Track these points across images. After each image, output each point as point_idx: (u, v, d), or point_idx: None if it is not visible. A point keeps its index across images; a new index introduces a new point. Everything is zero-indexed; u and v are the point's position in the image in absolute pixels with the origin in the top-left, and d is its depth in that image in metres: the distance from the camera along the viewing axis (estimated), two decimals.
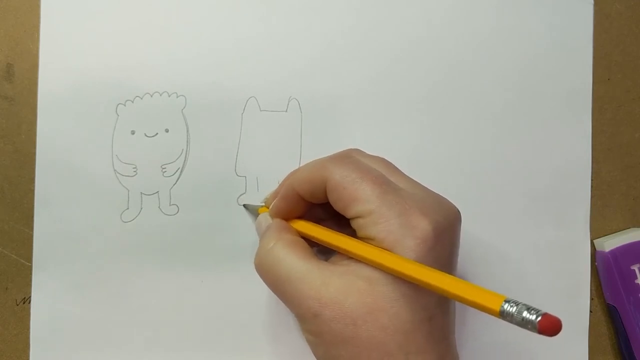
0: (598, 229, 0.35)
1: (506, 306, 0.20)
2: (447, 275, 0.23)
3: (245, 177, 0.33)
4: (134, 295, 0.32)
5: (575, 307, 0.34)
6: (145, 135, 0.32)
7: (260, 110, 0.33)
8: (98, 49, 0.32)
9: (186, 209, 0.32)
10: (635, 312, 0.33)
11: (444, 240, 0.25)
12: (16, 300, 0.32)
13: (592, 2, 0.35)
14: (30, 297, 0.32)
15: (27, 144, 0.32)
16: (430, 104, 0.34)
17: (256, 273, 0.27)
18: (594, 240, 0.35)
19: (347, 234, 0.27)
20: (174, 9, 0.33)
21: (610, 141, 0.36)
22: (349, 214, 0.26)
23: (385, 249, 0.24)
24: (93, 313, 0.32)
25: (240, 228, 0.32)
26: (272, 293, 0.27)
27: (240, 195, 0.32)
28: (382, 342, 0.23)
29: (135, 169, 0.32)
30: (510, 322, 0.20)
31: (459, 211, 0.27)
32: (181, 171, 0.32)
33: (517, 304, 0.20)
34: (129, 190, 0.32)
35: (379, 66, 0.34)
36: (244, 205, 0.32)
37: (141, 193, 0.32)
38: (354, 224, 0.26)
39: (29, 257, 0.32)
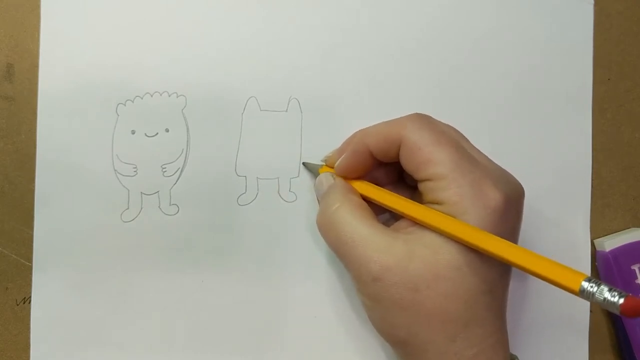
0: (598, 229, 0.35)
1: (586, 285, 0.20)
2: (526, 250, 0.22)
3: (245, 177, 0.33)
4: (134, 295, 0.32)
5: (575, 307, 0.34)
6: (146, 135, 0.32)
7: (260, 110, 0.33)
8: (98, 49, 0.32)
9: (186, 209, 0.32)
10: None
11: (512, 212, 0.25)
12: (16, 300, 0.32)
13: (592, 2, 0.36)
14: (30, 297, 0.32)
15: (27, 144, 0.32)
16: (430, 104, 0.34)
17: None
18: (594, 240, 0.35)
19: None
20: (174, 9, 0.33)
21: (610, 141, 0.36)
22: (420, 175, 0.25)
23: (454, 215, 0.24)
24: (93, 313, 0.32)
25: (240, 228, 0.32)
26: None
27: (240, 195, 0.32)
28: (443, 309, 0.23)
29: (135, 169, 0.32)
30: (590, 301, 0.20)
31: (523, 188, 0.27)
32: (181, 171, 0.32)
33: (598, 284, 0.20)
34: (129, 190, 0.32)
35: (379, 66, 0.34)
36: (304, 164, 0.32)
37: (141, 193, 0.32)
38: (423, 186, 0.26)
39: (29, 257, 0.32)
